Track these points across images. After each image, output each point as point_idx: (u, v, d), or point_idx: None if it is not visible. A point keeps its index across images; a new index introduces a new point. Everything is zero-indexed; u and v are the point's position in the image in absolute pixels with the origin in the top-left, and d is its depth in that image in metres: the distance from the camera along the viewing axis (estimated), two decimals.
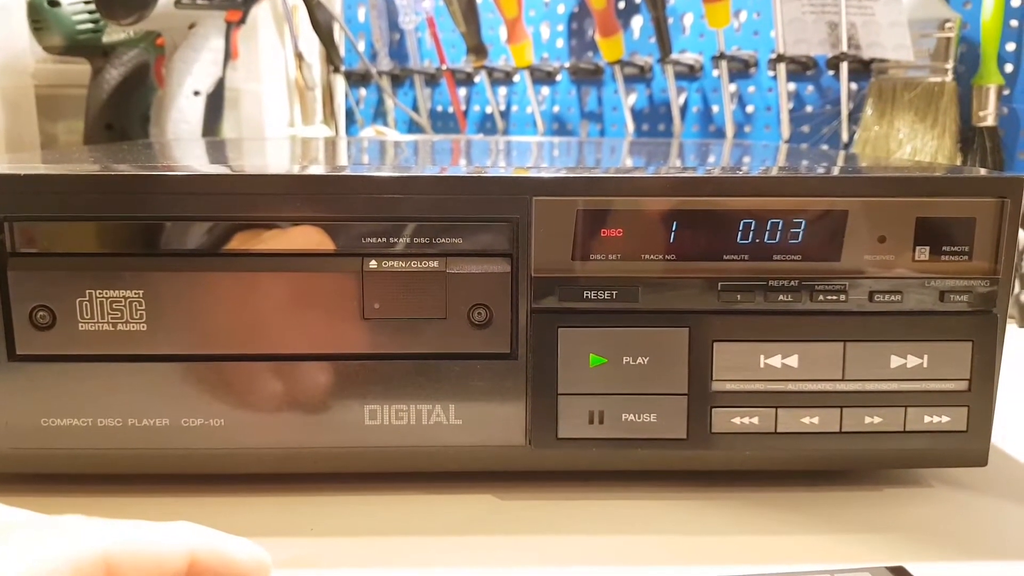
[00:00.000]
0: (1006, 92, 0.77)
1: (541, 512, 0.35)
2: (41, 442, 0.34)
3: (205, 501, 0.36)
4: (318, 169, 0.36)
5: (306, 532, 0.34)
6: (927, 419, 0.36)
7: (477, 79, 1.01)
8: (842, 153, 0.72)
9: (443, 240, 0.34)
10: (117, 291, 0.34)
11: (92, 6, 0.79)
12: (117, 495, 0.36)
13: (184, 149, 0.54)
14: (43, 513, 0.21)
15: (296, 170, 0.35)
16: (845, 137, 0.81)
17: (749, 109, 0.89)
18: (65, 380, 0.34)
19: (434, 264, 0.34)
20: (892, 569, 0.28)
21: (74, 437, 0.34)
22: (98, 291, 0.34)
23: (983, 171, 0.36)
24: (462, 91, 1.04)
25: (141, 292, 0.34)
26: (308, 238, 0.34)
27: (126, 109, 0.82)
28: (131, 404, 0.34)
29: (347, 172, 0.34)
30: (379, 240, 0.34)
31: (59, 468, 0.36)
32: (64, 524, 0.19)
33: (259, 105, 0.98)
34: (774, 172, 0.37)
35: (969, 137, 0.78)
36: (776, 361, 0.35)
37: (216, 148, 0.55)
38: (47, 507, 0.22)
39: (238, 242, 0.34)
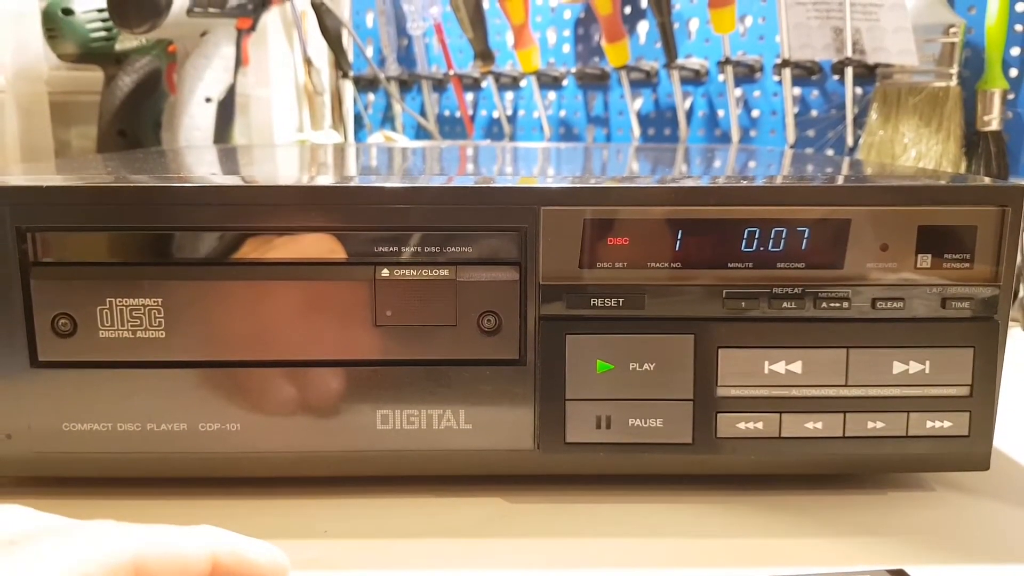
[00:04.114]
0: (1010, 96, 0.77)
1: (549, 515, 0.36)
2: (63, 446, 0.35)
3: (222, 504, 0.37)
4: (332, 180, 0.36)
5: (320, 534, 0.34)
6: (929, 424, 0.36)
7: (484, 84, 1.02)
8: (847, 158, 0.73)
9: (453, 249, 0.35)
10: (136, 299, 0.34)
11: (105, 15, 0.80)
12: (136, 498, 0.37)
13: (198, 157, 0.55)
14: (63, 516, 0.22)
15: (310, 181, 0.36)
16: (850, 142, 0.82)
17: (755, 114, 0.90)
18: (86, 386, 0.35)
19: (444, 272, 0.35)
20: (893, 572, 0.29)
21: (94, 441, 0.35)
22: (118, 299, 0.34)
23: (986, 180, 0.37)
24: (469, 96, 1.04)
25: (160, 300, 0.34)
26: (321, 247, 0.35)
27: (138, 115, 0.83)
28: (150, 409, 0.35)
29: (360, 183, 0.35)
30: (390, 249, 0.35)
31: (80, 472, 0.37)
32: (94, 528, 0.20)
33: (269, 111, 0.99)
34: (778, 182, 0.38)
35: (974, 141, 0.78)
36: (780, 367, 0.36)
37: (230, 156, 0.56)
38: (68, 510, 0.23)
39: (254, 251, 0.35)
